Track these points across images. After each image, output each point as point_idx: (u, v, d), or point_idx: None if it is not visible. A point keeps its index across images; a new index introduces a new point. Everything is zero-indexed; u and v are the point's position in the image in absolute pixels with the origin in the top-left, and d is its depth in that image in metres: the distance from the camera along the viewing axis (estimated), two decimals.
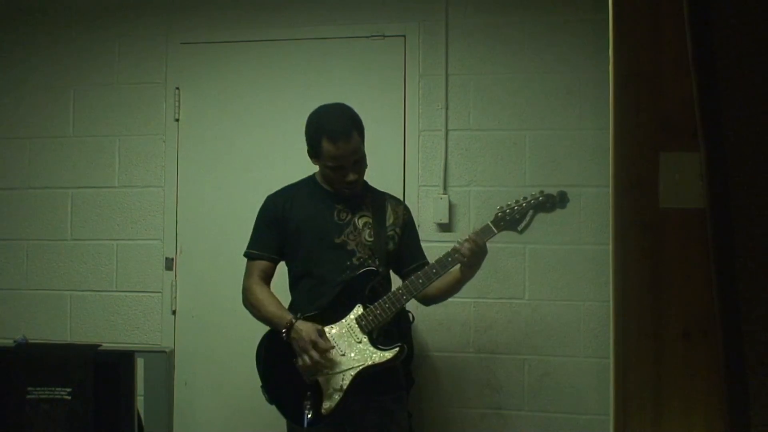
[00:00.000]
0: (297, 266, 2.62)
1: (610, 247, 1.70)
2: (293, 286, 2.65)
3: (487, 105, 3.31)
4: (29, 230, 3.61)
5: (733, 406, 1.54)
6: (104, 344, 2.13)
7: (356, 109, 2.65)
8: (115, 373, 1.98)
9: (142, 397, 2.10)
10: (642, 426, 1.65)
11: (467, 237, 2.43)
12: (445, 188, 3.31)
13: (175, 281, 3.49)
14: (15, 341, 2.18)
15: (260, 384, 2.55)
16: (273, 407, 2.53)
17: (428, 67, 3.35)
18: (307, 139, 2.55)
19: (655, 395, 1.65)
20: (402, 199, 3.19)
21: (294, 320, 2.43)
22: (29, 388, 1.95)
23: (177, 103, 3.52)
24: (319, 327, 2.42)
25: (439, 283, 2.49)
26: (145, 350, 2.15)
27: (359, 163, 2.53)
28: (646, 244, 1.67)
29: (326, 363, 2.39)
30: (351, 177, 2.51)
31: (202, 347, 3.45)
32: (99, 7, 3.60)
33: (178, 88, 3.53)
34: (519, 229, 2.45)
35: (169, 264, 3.49)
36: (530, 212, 2.44)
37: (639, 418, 1.65)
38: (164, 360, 2.16)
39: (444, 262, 2.43)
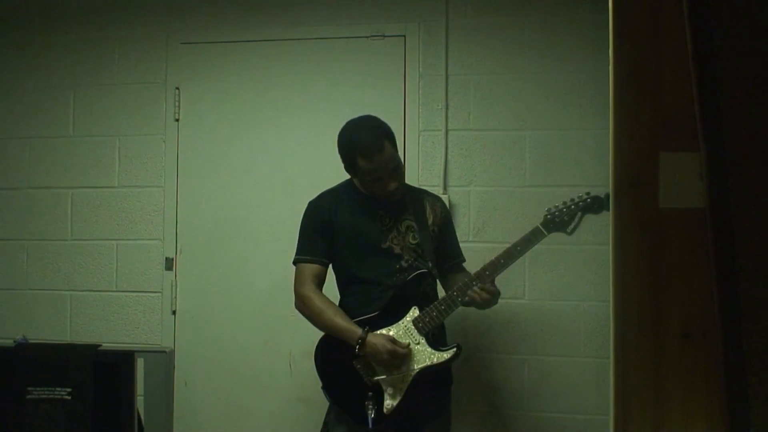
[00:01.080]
0: (345, 271, 2.65)
1: (610, 247, 1.70)
2: (343, 289, 2.68)
3: (487, 105, 3.31)
4: (29, 230, 3.61)
5: (733, 406, 1.54)
6: (104, 344, 2.13)
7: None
8: (115, 373, 1.98)
9: (142, 397, 2.10)
10: (642, 426, 1.64)
11: (484, 286, 2.48)
12: (445, 188, 3.31)
13: (175, 281, 3.49)
14: (15, 341, 2.17)
15: (320, 385, 2.58)
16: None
17: (428, 67, 3.35)
18: (342, 158, 2.59)
19: (655, 395, 1.65)
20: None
21: (364, 335, 2.45)
22: (29, 388, 1.95)
23: (177, 103, 3.52)
24: (390, 336, 2.47)
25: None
26: (145, 350, 2.14)
27: (396, 170, 2.56)
28: (646, 244, 1.67)
29: (404, 368, 2.45)
30: (392, 186, 2.54)
31: (202, 347, 3.45)
32: (99, 7, 3.60)
33: (178, 88, 3.53)
34: (568, 230, 2.49)
35: (169, 264, 3.49)
36: (579, 214, 2.48)
37: (639, 418, 1.65)
38: (164, 360, 2.15)
39: (496, 264, 2.48)
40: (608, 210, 2.43)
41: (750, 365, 1.52)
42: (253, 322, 3.42)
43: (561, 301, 3.21)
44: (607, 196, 2.43)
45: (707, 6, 1.54)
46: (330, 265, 2.68)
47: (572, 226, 2.48)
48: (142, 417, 2.11)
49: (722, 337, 1.54)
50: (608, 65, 1.70)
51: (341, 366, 2.51)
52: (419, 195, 2.76)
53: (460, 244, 2.82)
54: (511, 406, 3.22)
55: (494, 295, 2.52)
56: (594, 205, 2.47)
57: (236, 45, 3.50)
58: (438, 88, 3.33)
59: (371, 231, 2.60)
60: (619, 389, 1.67)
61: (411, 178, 3.32)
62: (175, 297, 3.48)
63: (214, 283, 3.45)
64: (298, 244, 2.67)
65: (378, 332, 2.48)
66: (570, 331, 3.19)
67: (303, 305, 2.60)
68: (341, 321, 2.51)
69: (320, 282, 2.63)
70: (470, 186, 3.31)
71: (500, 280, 3.21)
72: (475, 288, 2.47)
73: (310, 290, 2.58)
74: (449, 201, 3.27)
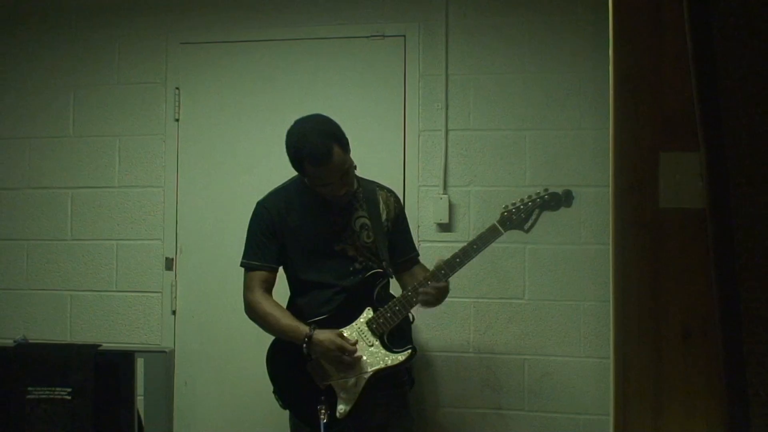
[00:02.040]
0: (297, 274, 2.58)
1: (610, 247, 1.70)
2: (296, 293, 2.61)
3: (487, 105, 3.31)
4: (29, 230, 3.61)
5: (733, 406, 1.54)
6: (104, 344, 2.13)
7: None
8: (115, 373, 1.98)
9: (142, 397, 2.10)
10: (642, 426, 1.64)
11: (428, 283, 2.43)
12: (445, 188, 3.31)
13: (175, 281, 3.49)
14: (15, 341, 2.17)
15: (272, 389, 2.55)
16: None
17: (428, 67, 3.35)
18: (290, 160, 2.49)
19: (655, 395, 1.65)
20: (402, 199, 3.18)
21: (311, 332, 2.40)
22: (29, 388, 1.96)
23: (177, 103, 3.52)
24: (338, 331, 2.41)
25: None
26: (145, 350, 2.14)
27: (347, 174, 2.45)
28: (646, 244, 1.67)
29: (355, 365, 2.39)
30: (341, 191, 2.47)
31: (202, 347, 3.45)
32: (99, 7, 3.60)
33: (178, 88, 3.53)
34: (525, 228, 2.46)
35: (169, 264, 3.49)
36: (536, 211, 2.45)
37: (639, 418, 1.65)
38: (164, 360, 2.15)
39: (452, 264, 2.44)
40: (568, 206, 2.45)
41: (750, 365, 1.52)
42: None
43: (561, 301, 3.21)
44: (565, 192, 2.44)
45: (707, 6, 1.54)
46: (281, 268, 2.62)
47: (529, 223, 2.45)
48: (142, 417, 2.11)
49: (722, 337, 1.54)
50: (608, 65, 1.70)
51: (293, 370, 2.45)
52: (371, 188, 2.64)
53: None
54: (511, 406, 3.22)
55: (445, 293, 2.47)
56: (551, 202, 2.45)
57: (236, 45, 3.50)
58: (438, 88, 3.33)
59: (323, 234, 2.53)
60: (619, 389, 1.67)
61: (411, 178, 3.33)
62: (175, 297, 3.48)
63: (214, 283, 3.45)
64: (245, 247, 2.59)
65: (326, 330, 2.42)
66: (570, 331, 3.19)
67: (250, 310, 2.55)
68: (288, 321, 2.45)
69: (269, 287, 2.56)
70: (470, 186, 3.31)
71: (500, 280, 3.24)
72: (428, 287, 2.42)
73: (257, 295, 2.52)
74: (449, 201, 3.27)
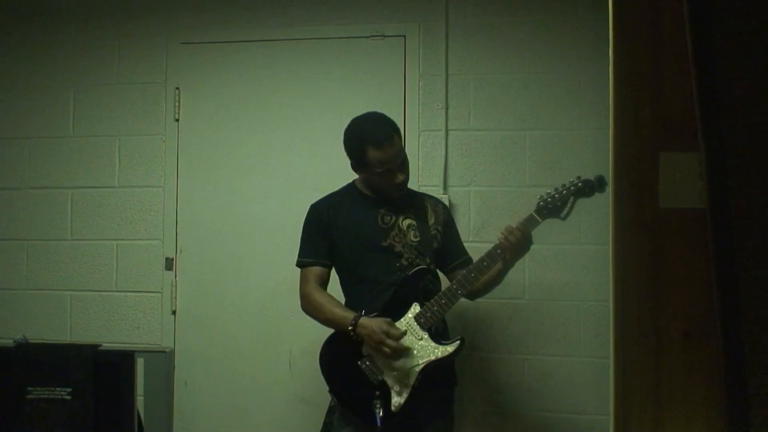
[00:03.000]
0: (347, 272, 2.67)
1: (610, 247, 1.70)
2: (346, 292, 2.69)
3: (487, 105, 3.31)
4: (29, 230, 3.61)
5: (733, 406, 1.54)
6: (104, 344, 2.13)
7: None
8: (115, 373, 1.98)
9: (142, 397, 2.10)
10: (642, 426, 1.64)
11: (512, 228, 2.48)
12: (445, 188, 3.31)
13: (175, 281, 3.49)
14: (15, 341, 2.17)
15: (327, 388, 2.59)
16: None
17: (428, 67, 3.35)
18: (349, 153, 2.61)
19: (655, 395, 1.65)
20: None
21: (358, 317, 2.48)
22: (29, 388, 1.95)
23: (177, 103, 3.52)
24: (387, 319, 2.47)
25: (484, 277, 2.55)
26: (145, 350, 2.14)
27: (405, 163, 2.61)
28: (646, 244, 1.67)
29: (403, 350, 2.44)
30: (400, 177, 2.58)
31: (202, 347, 3.45)
32: (99, 7, 3.60)
33: (178, 88, 3.53)
34: (562, 216, 2.50)
35: (169, 264, 3.49)
36: (571, 199, 2.50)
37: (639, 418, 1.65)
38: (164, 360, 2.15)
39: (493, 255, 2.51)
40: (601, 192, 2.46)
41: (750, 365, 1.52)
42: (253, 322, 3.42)
43: (561, 301, 3.21)
44: (598, 178, 2.46)
45: (707, 6, 1.54)
46: (333, 268, 2.70)
47: (565, 211, 2.50)
48: (142, 417, 2.11)
49: (722, 337, 1.54)
50: (608, 65, 1.70)
51: (347, 367, 2.51)
52: (420, 197, 2.80)
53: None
54: (511, 406, 3.22)
55: (525, 238, 2.49)
56: (585, 188, 2.49)
57: (236, 45, 3.50)
58: (438, 88, 3.33)
59: (371, 229, 2.62)
60: (619, 389, 1.67)
61: (411, 178, 3.31)
62: (175, 297, 3.48)
63: (214, 283, 3.45)
64: (300, 247, 2.70)
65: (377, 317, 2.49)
66: (570, 331, 3.19)
67: (305, 303, 2.64)
68: (339, 310, 2.56)
69: (323, 282, 2.66)
70: (470, 186, 3.31)
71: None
72: (511, 233, 2.47)
73: (310, 288, 2.62)
74: (449, 201, 3.27)
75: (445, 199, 3.27)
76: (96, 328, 3.52)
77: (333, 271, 2.72)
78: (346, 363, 2.51)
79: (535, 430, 3.19)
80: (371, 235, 2.62)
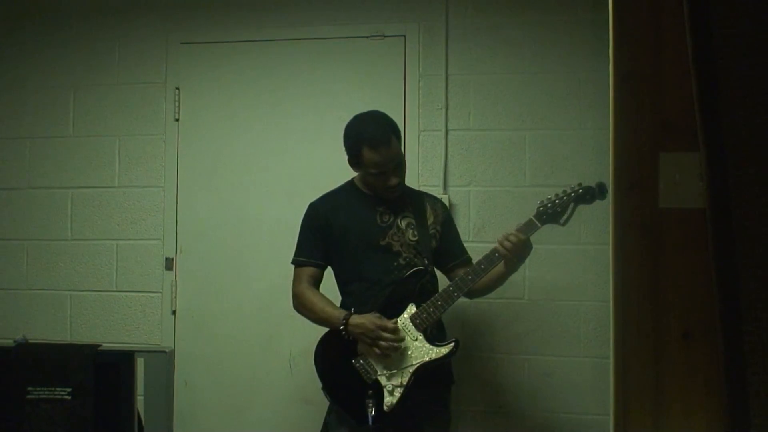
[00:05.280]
0: (344, 271, 2.67)
1: (610, 247, 1.70)
2: (343, 291, 2.70)
3: (487, 105, 3.31)
4: (29, 230, 3.61)
5: (733, 406, 1.53)
6: (104, 344, 2.13)
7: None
8: (115, 373, 1.98)
9: (142, 397, 2.10)
10: (642, 426, 1.64)
11: (511, 232, 2.47)
12: (445, 188, 3.31)
13: (175, 281, 3.49)
14: (15, 341, 2.17)
15: (320, 386, 2.59)
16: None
17: (428, 67, 3.35)
18: (346, 149, 2.61)
19: (655, 395, 1.65)
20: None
21: (349, 315, 2.49)
22: (29, 388, 1.95)
23: (177, 103, 3.52)
24: (377, 314, 2.48)
25: (484, 278, 2.55)
26: (145, 350, 2.14)
27: (400, 166, 2.60)
28: (646, 244, 1.67)
29: (398, 342, 2.44)
30: (393, 181, 2.57)
31: (202, 347, 3.45)
32: (99, 7, 3.60)
33: (178, 88, 3.53)
34: (561, 221, 2.49)
35: (169, 264, 3.49)
36: (571, 205, 2.48)
37: (639, 418, 1.65)
38: (164, 360, 2.15)
39: (491, 258, 2.50)
40: (601, 199, 2.46)
41: (750, 365, 1.52)
42: (253, 322, 3.42)
43: (561, 301, 3.21)
44: (599, 185, 2.46)
45: (707, 6, 1.54)
46: (330, 268, 2.71)
47: (565, 217, 2.49)
48: (142, 417, 2.11)
49: (722, 337, 1.54)
50: (608, 65, 1.70)
51: (341, 366, 2.51)
52: (419, 195, 2.79)
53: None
54: (511, 406, 3.22)
55: (524, 242, 2.47)
56: (586, 195, 2.48)
57: (236, 45, 3.50)
58: (438, 88, 3.33)
59: (370, 228, 2.62)
60: (619, 389, 1.67)
61: (411, 178, 3.31)
62: (175, 297, 3.48)
63: (214, 283, 3.45)
64: (296, 246, 2.71)
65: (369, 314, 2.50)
66: (570, 331, 3.19)
67: (297, 302, 2.65)
68: (330, 309, 2.56)
69: (316, 282, 2.67)
70: (470, 186, 3.31)
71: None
72: (507, 239, 2.45)
73: (303, 287, 2.63)
74: (449, 201, 3.27)
75: (445, 199, 3.27)
76: (96, 328, 3.52)
77: (328, 271, 2.72)
78: (340, 362, 2.51)
79: (535, 430, 3.19)
80: (370, 234, 2.62)
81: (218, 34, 3.51)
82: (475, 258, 2.69)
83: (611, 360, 1.69)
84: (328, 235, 2.65)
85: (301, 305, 2.64)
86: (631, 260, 1.68)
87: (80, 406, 1.94)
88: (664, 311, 1.66)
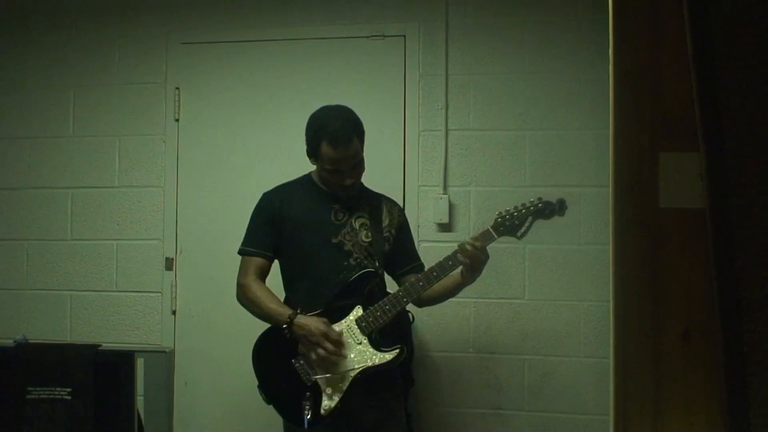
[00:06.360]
0: (293, 266, 2.60)
1: (610, 247, 1.70)
2: (288, 287, 2.63)
3: (487, 105, 3.31)
4: (29, 230, 3.61)
5: (733, 406, 1.53)
6: (104, 344, 2.13)
7: (356, 110, 2.65)
8: (115, 373, 1.99)
9: (142, 397, 2.10)
10: (642, 426, 1.64)
11: (468, 241, 2.41)
12: (445, 188, 3.31)
13: (175, 281, 3.49)
14: (15, 341, 2.18)
15: (257, 384, 2.54)
16: (271, 407, 2.53)
17: (428, 67, 3.35)
18: (306, 140, 2.54)
19: (655, 395, 1.65)
20: (402, 199, 3.22)
21: (294, 315, 2.42)
22: (29, 388, 1.96)
23: (177, 103, 3.52)
24: (324, 319, 2.41)
25: (437, 286, 2.47)
26: (145, 350, 2.14)
27: (357, 167, 2.52)
28: (646, 244, 1.67)
29: (338, 353, 2.38)
30: (348, 181, 2.51)
31: (202, 347, 3.45)
32: (99, 7, 3.60)
33: (178, 88, 3.53)
34: (518, 234, 2.44)
35: (169, 264, 3.49)
36: (529, 219, 2.43)
37: (639, 418, 1.65)
38: (164, 360, 2.16)
39: (444, 266, 2.42)
40: (561, 216, 2.44)
41: (750, 365, 1.52)
42: (253, 321, 3.40)
43: (561, 301, 3.21)
44: (559, 201, 2.43)
45: (707, 6, 1.54)
46: (277, 262, 2.64)
47: (522, 230, 2.43)
48: (142, 417, 2.11)
49: (722, 337, 1.54)
50: (608, 65, 1.70)
51: (279, 365, 2.46)
52: (377, 197, 2.70)
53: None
54: (511, 406, 3.22)
55: (481, 252, 2.38)
56: (545, 210, 2.43)
57: (236, 45, 3.50)
58: (438, 88, 3.33)
59: (322, 224, 2.55)
60: (619, 389, 1.67)
61: (411, 178, 3.33)
62: (175, 297, 3.48)
63: (214, 283, 3.45)
64: (245, 235, 2.64)
65: (316, 317, 2.42)
66: (570, 331, 3.19)
67: (241, 294, 2.59)
68: (275, 306, 2.49)
69: (263, 274, 2.60)
70: (470, 186, 3.31)
71: (500, 280, 3.23)
72: (464, 247, 2.38)
73: (249, 279, 2.57)
74: (449, 201, 3.27)
75: (445, 199, 3.27)
76: (96, 328, 3.52)
77: (275, 265, 2.65)
78: (279, 360, 2.45)
79: (535, 430, 3.19)
80: (322, 230, 2.54)
81: (218, 34, 3.51)
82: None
83: (611, 360, 1.69)
84: (279, 227, 2.57)
85: (245, 297, 2.56)
86: (631, 260, 1.68)
87: (80, 406, 1.94)
88: (664, 311, 1.66)
